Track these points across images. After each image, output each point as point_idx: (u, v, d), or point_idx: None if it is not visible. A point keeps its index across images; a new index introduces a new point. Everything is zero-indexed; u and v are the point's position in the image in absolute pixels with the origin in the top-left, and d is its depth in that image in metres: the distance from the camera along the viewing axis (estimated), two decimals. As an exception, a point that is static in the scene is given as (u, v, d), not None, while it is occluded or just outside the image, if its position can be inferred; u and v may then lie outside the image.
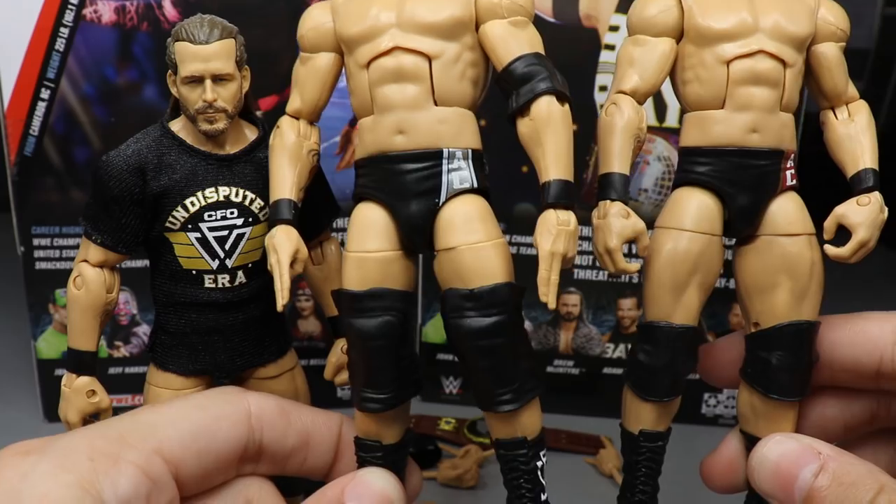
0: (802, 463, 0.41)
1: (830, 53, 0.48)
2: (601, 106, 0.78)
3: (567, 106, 0.44)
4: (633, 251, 0.57)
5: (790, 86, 0.46)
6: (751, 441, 0.48)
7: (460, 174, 0.44)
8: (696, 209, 0.47)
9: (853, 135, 0.48)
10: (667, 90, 0.76)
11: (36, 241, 0.77)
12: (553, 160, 0.43)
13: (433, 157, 0.44)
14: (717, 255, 0.47)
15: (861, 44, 1.33)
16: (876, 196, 0.46)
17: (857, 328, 0.47)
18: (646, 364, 0.48)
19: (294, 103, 0.48)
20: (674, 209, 0.48)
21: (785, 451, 0.43)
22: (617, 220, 0.45)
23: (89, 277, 0.50)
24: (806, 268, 0.46)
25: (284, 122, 0.48)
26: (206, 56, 0.47)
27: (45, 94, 0.73)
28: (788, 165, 0.47)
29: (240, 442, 0.44)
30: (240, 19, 0.50)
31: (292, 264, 0.45)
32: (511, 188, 0.76)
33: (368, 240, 0.45)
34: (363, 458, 0.47)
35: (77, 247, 0.51)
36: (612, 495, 0.73)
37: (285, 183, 0.46)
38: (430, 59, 0.44)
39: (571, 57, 0.75)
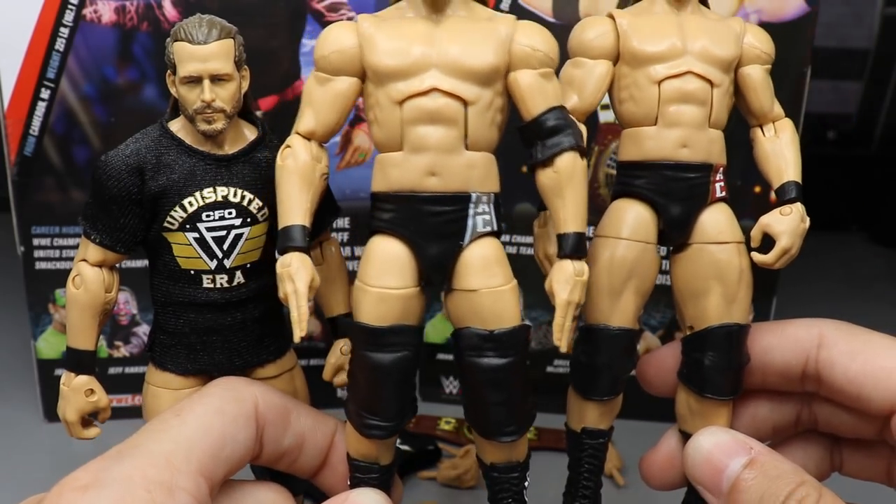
0: (734, 454, 0.44)
1: (756, 75, 0.51)
2: (601, 106, 0.78)
3: (585, 161, 0.46)
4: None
5: (717, 104, 0.49)
6: (687, 439, 0.49)
7: (484, 218, 0.46)
8: (632, 219, 0.50)
9: (778, 150, 0.51)
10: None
11: (36, 241, 0.77)
12: (572, 213, 0.45)
13: (462, 201, 0.45)
14: (651, 262, 0.50)
15: (861, 44, 1.33)
16: (798, 207, 0.49)
17: (787, 332, 0.50)
18: (586, 365, 0.51)
19: (307, 124, 0.46)
20: (611, 219, 0.51)
21: (719, 441, 0.45)
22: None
23: (88, 277, 0.50)
24: (735, 274, 0.49)
25: (297, 142, 0.46)
26: (205, 56, 0.47)
27: (45, 94, 0.74)
28: (718, 178, 0.50)
29: (254, 440, 0.44)
30: (240, 19, 0.50)
31: None
32: (511, 188, 0.76)
33: (391, 276, 0.45)
34: (359, 479, 0.48)
35: (77, 247, 0.51)
36: (612, 495, 0.73)
37: (298, 208, 0.45)
38: (465, 104, 0.44)
39: (571, 57, 0.75)
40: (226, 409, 0.43)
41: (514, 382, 0.45)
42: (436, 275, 0.46)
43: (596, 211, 0.82)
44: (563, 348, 0.44)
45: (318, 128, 0.46)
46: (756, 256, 0.49)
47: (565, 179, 0.45)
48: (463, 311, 0.45)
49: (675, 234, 0.50)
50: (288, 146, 0.46)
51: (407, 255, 0.45)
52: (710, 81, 0.49)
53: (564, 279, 0.44)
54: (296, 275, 0.43)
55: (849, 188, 1.37)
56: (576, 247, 0.45)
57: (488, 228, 0.46)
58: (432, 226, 0.45)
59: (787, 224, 0.48)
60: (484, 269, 0.45)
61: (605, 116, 0.77)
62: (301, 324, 0.43)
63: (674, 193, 0.49)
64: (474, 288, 0.45)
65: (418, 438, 0.79)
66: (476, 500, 0.72)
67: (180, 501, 0.38)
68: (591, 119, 0.77)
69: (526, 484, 0.49)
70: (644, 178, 0.50)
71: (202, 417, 0.42)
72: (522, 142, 0.46)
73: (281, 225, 0.45)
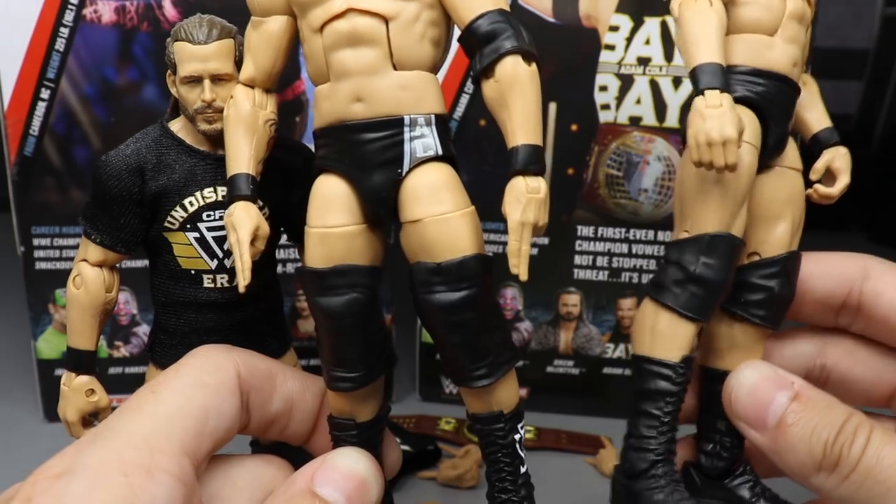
0: (779, 387, 0.43)
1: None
2: (601, 106, 0.78)
3: (534, 66, 0.41)
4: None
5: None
6: (712, 375, 0.50)
7: (423, 142, 0.42)
8: (750, 125, 0.47)
9: (812, 100, 0.53)
10: (666, 90, 0.76)
11: (36, 241, 0.77)
12: (520, 124, 0.40)
13: (394, 126, 0.42)
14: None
15: (861, 44, 1.34)
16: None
17: (831, 262, 0.50)
18: (708, 280, 0.46)
19: (247, 71, 0.46)
20: (745, 125, 0.47)
21: (764, 374, 0.44)
22: (735, 112, 0.43)
23: (88, 277, 0.50)
24: (802, 202, 0.50)
25: (239, 92, 0.46)
26: (205, 56, 0.47)
27: (45, 94, 0.74)
28: None
29: (239, 409, 0.42)
30: (240, 19, 0.50)
31: (253, 241, 0.44)
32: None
33: (331, 214, 0.42)
34: (338, 437, 0.46)
35: (77, 247, 0.51)
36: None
37: (242, 157, 0.45)
38: (386, 21, 0.41)
39: (571, 57, 0.75)
40: (206, 380, 0.41)
41: (472, 319, 0.41)
42: (380, 209, 0.43)
43: (596, 211, 0.82)
44: (523, 276, 0.39)
45: (258, 74, 0.46)
46: (820, 189, 0.50)
47: (507, 87, 0.40)
48: (412, 245, 0.42)
49: (774, 152, 0.49)
50: (231, 96, 0.46)
51: (347, 190, 0.43)
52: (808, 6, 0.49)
53: (515, 198, 0.40)
54: (238, 223, 0.43)
55: (849, 188, 1.37)
56: (528, 160, 0.40)
57: (430, 153, 0.42)
58: (366, 155, 0.42)
59: (847, 161, 0.51)
60: (429, 196, 0.41)
61: (606, 116, 0.77)
62: (244, 272, 0.43)
63: (785, 109, 0.49)
64: (418, 217, 0.41)
65: (418, 438, 0.79)
66: (476, 500, 0.71)
67: (160, 483, 0.35)
68: (590, 119, 0.77)
69: (517, 437, 0.44)
70: (764, 87, 0.47)
71: (180, 392, 0.39)
72: (466, 56, 0.43)
73: (227, 175, 0.45)
